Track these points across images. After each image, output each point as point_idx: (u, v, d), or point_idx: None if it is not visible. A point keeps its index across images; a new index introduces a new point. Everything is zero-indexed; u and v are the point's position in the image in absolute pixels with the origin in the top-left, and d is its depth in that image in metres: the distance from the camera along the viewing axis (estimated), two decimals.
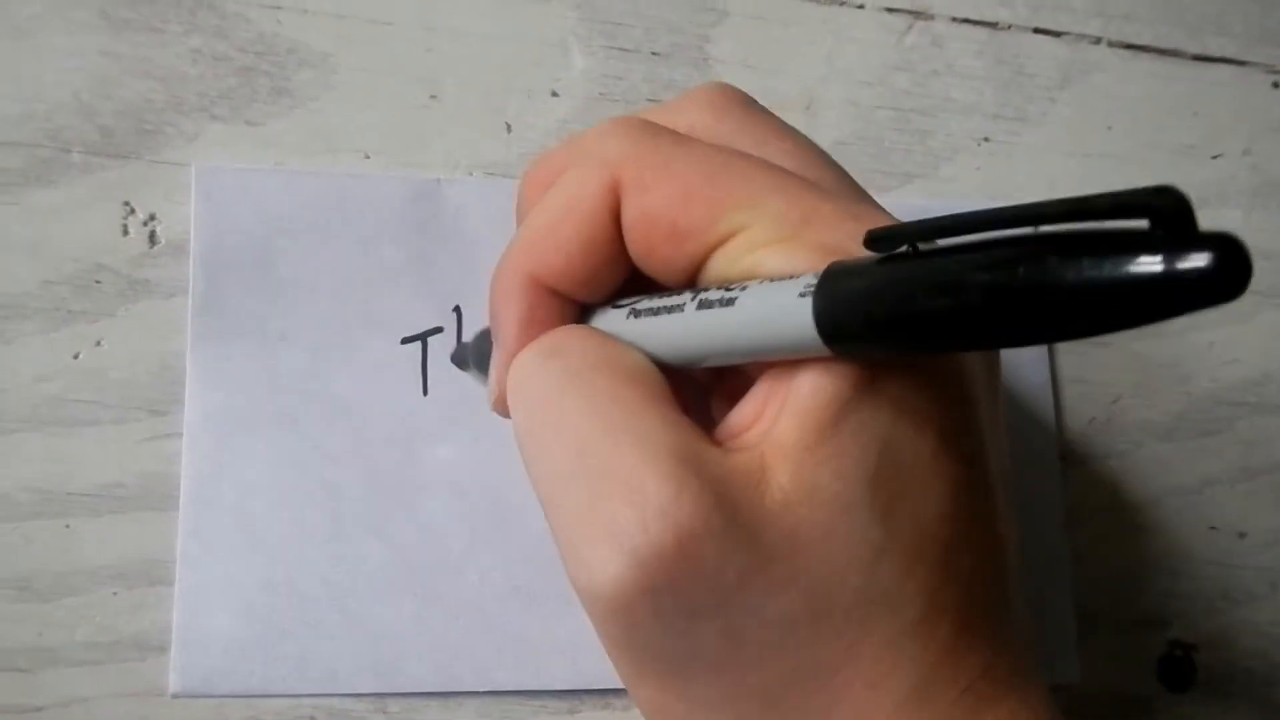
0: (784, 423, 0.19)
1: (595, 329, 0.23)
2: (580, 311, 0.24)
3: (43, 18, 0.29)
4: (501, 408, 0.24)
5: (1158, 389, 0.34)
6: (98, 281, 0.29)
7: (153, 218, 0.29)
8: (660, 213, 0.21)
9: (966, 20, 0.35)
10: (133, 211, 0.29)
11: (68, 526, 0.28)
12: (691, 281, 0.22)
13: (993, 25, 0.35)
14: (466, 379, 0.30)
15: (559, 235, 0.22)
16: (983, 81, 0.34)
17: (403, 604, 0.28)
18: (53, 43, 0.29)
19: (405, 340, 0.29)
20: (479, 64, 0.31)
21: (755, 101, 0.24)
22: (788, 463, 0.19)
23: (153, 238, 0.29)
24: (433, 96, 0.31)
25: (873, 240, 0.18)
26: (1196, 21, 0.36)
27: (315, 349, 0.29)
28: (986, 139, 0.34)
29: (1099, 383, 0.34)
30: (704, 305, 0.20)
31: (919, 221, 0.17)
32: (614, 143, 0.22)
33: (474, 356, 0.29)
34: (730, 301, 0.20)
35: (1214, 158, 0.36)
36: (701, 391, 0.24)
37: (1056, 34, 0.35)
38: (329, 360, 0.29)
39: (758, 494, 0.19)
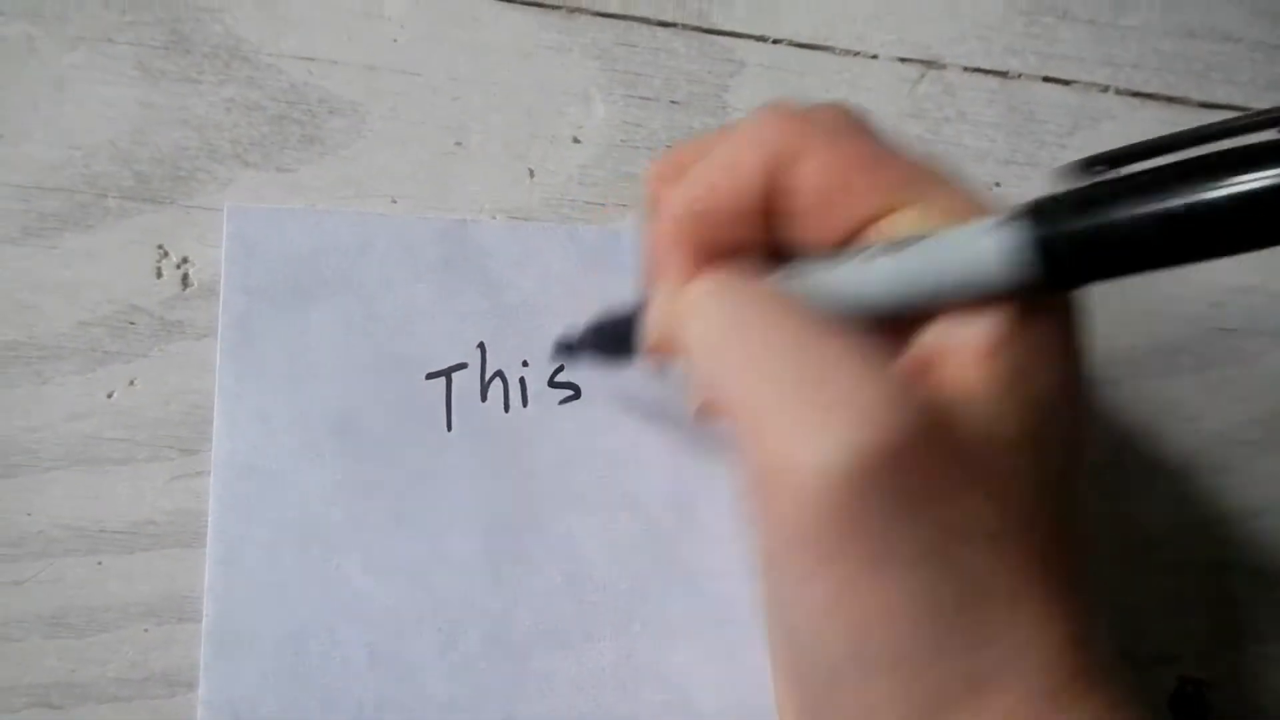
0: (962, 375, 0.21)
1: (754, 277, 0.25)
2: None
3: (82, 69, 0.30)
4: (664, 343, 0.25)
5: (1167, 426, 0.35)
6: (132, 323, 0.29)
7: (185, 260, 0.30)
8: (829, 175, 0.23)
9: (978, 69, 0.35)
10: (166, 255, 0.30)
11: (100, 563, 0.28)
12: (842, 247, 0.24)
13: (1003, 74, 0.36)
14: (490, 414, 0.30)
15: (716, 192, 0.25)
16: (994, 129, 0.35)
17: (428, 642, 0.29)
18: (92, 93, 0.30)
19: (430, 376, 0.30)
20: (503, 112, 0.32)
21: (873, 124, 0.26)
22: (974, 409, 0.21)
23: (185, 280, 0.30)
24: (458, 143, 0.32)
25: (1086, 164, 0.20)
26: (1202, 70, 0.37)
27: (341, 386, 0.30)
28: (998, 184, 0.35)
29: (1109, 423, 0.34)
30: (890, 250, 0.22)
31: (1109, 151, 0.20)
32: (771, 121, 0.24)
33: (595, 338, 0.29)
34: (923, 239, 0.21)
35: None
36: None
37: (1065, 82, 0.36)
38: (354, 397, 0.30)
39: (950, 417, 0.21)
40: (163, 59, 0.31)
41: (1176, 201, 0.18)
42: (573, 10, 0.33)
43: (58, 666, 0.28)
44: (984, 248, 0.20)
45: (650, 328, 0.26)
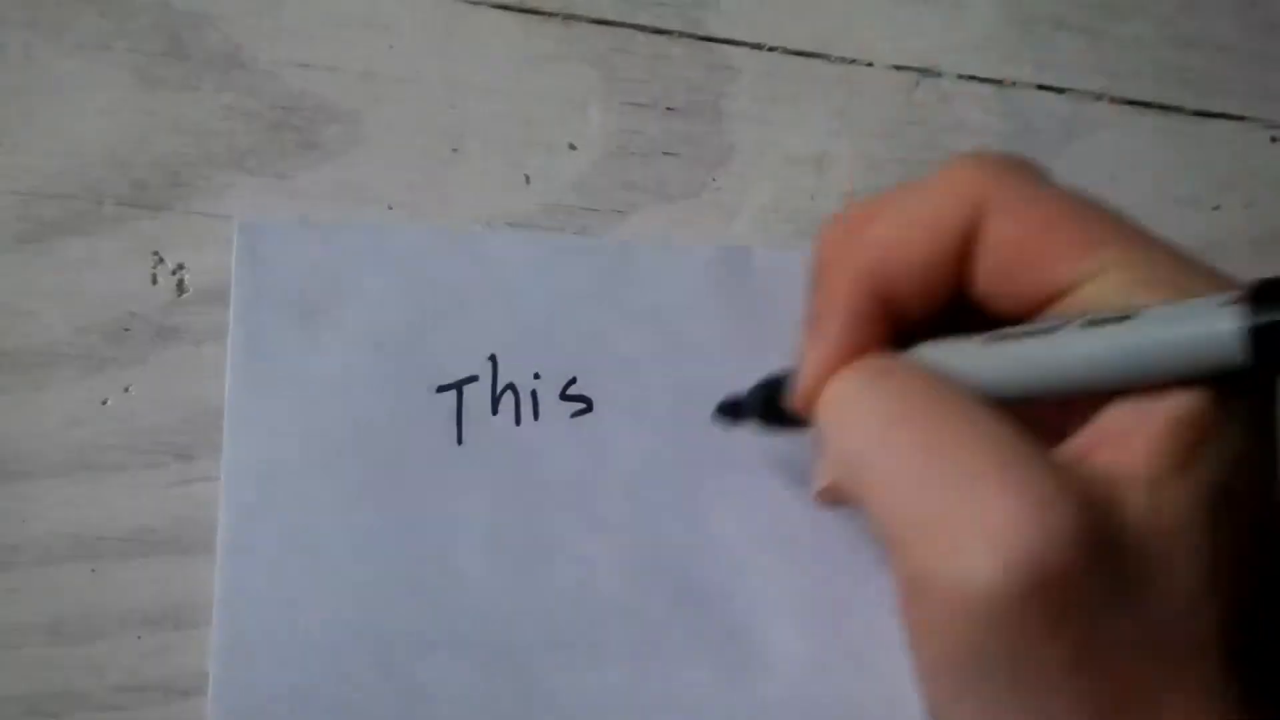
0: (1133, 455, 0.20)
1: (916, 356, 0.24)
2: (899, 340, 0.24)
3: (79, 75, 0.30)
4: (807, 405, 0.25)
5: None
6: (127, 329, 0.29)
7: (181, 267, 0.30)
8: (1031, 233, 0.22)
9: (973, 77, 0.36)
10: (162, 261, 0.30)
11: (96, 570, 0.28)
12: (1030, 314, 0.23)
13: (998, 82, 0.36)
14: (501, 428, 0.30)
15: (909, 241, 0.23)
16: (990, 137, 0.35)
17: (436, 655, 0.28)
18: (89, 99, 0.30)
19: (440, 389, 0.30)
20: (500, 119, 0.32)
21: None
22: (1140, 493, 0.20)
23: (181, 286, 0.30)
24: (455, 150, 0.32)
25: None
26: (1197, 79, 0.37)
27: (351, 398, 0.29)
28: None
29: None
30: (1093, 324, 0.21)
31: None
32: (977, 170, 0.23)
33: (755, 405, 0.28)
34: (1128, 319, 0.20)
35: (1214, 210, 0.37)
36: None
37: (1060, 90, 0.36)
38: (365, 411, 0.29)
39: (1112, 513, 0.20)
40: (160, 66, 0.31)
41: None
42: (569, 18, 0.33)
43: (55, 675, 0.28)
44: (1194, 330, 0.19)
45: (798, 391, 0.25)
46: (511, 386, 0.30)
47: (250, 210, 0.30)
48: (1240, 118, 0.37)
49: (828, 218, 0.27)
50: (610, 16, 0.33)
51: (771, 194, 0.33)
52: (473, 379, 0.30)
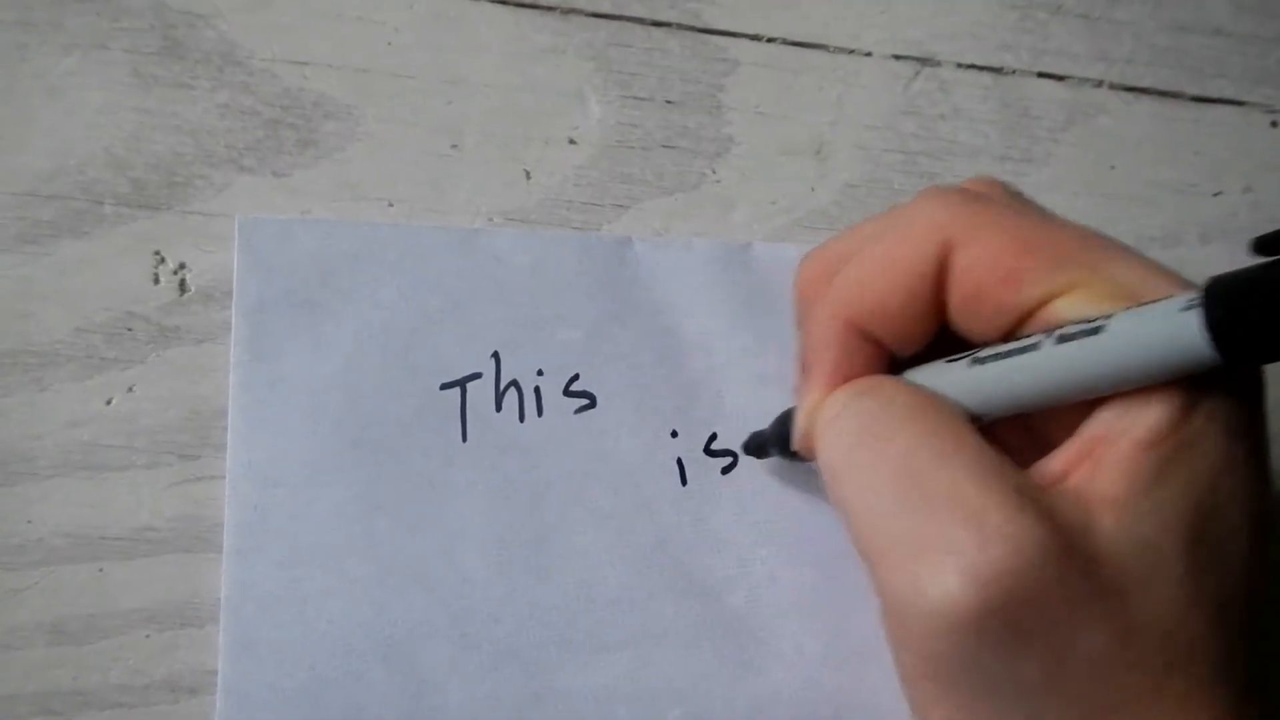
0: (1107, 475, 0.20)
1: (904, 379, 0.24)
2: (890, 366, 0.25)
3: (76, 75, 0.30)
4: (806, 446, 0.25)
5: None
6: (129, 329, 0.29)
7: (183, 266, 0.30)
8: (997, 259, 0.23)
9: (972, 66, 0.36)
10: (163, 261, 0.30)
11: (100, 570, 0.28)
12: (1007, 336, 0.23)
13: (997, 70, 0.36)
14: (505, 424, 0.30)
15: (882, 284, 0.24)
16: (989, 125, 0.35)
17: (443, 653, 0.28)
18: (86, 99, 0.30)
19: (444, 386, 0.30)
20: (498, 114, 0.32)
21: (1022, 193, 0.26)
22: (1112, 512, 0.20)
23: (183, 286, 0.30)
24: (454, 146, 0.32)
25: (1261, 245, 0.19)
26: (1196, 64, 0.37)
27: (355, 397, 0.29)
28: None
29: None
30: (1064, 339, 0.21)
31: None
32: (941, 205, 0.24)
33: (774, 439, 0.29)
34: (1097, 330, 0.21)
35: (1215, 195, 0.37)
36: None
37: (1059, 78, 0.36)
38: (369, 409, 0.29)
39: (1083, 535, 0.20)
40: (156, 65, 0.31)
41: None
42: (566, 11, 0.33)
43: (59, 674, 0.28)
44: (1159, 335, 0.20)
45: (796, 433, 0.26)
46: (515, 383, 0.30)
47: (249, 209, 0.30)
48: (1239, 103, 0.37)
49: (804, 255, 0.28)
50: (607, 9, 0.33)
51: (770, 185, 0.33)
52: (476, 376, 0.30)
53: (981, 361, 0.23)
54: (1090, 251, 0.23)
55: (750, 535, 0.31)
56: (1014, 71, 0.36)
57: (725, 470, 0.31)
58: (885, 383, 0.24)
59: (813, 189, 0.34)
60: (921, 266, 0.24)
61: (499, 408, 0.30)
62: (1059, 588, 0.19)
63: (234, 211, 0.30)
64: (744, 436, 0.31)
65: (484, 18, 0.33)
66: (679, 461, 0.31)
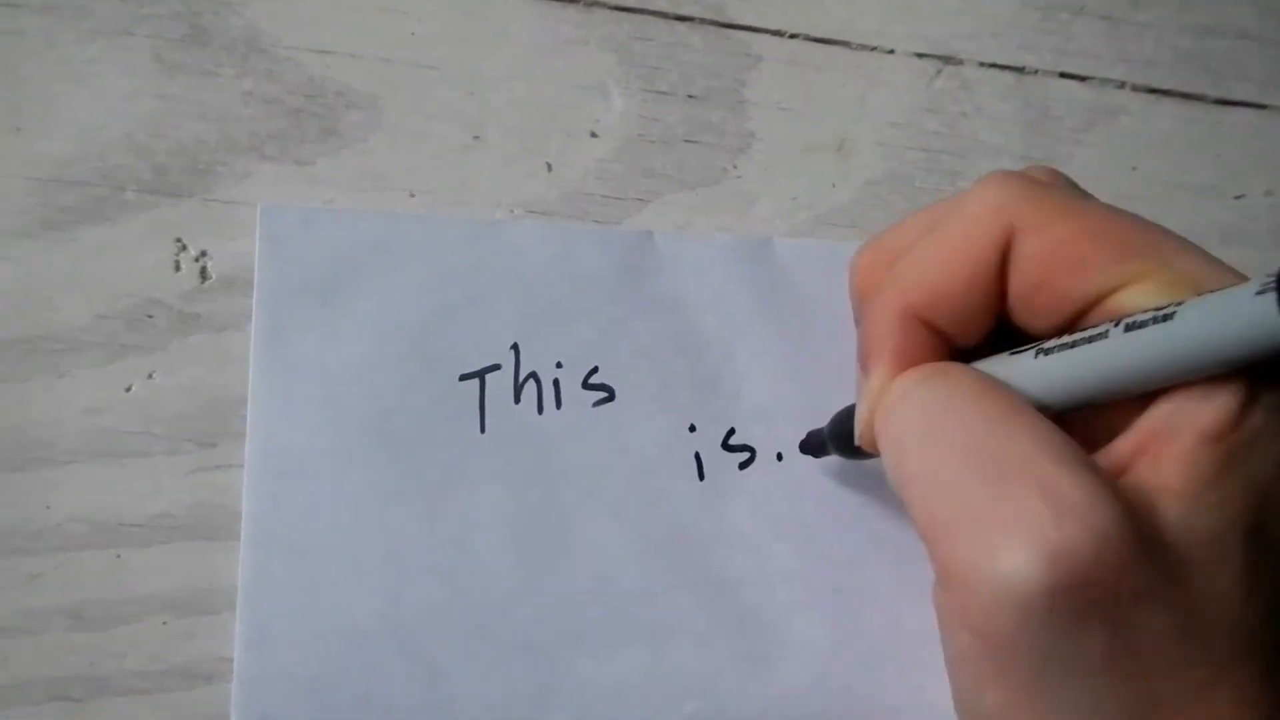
0: (1169, 466, 0.20)
1: (967, 365, 0.24)
2: (951, 358, 0.25)
3: (99, 62, 0.30)
4: (868, 438, 0.25)
5: None
6: (150, 316, 0.29)
7: (204, 254, 0.30)
8: (1063, 247, 0.23)
9: (994, 65, 0.35)
10: (184, 248, 0.30)
11: (118, 556, 0.28)
12: (1063, 329, 0.23)
13: (1019, 70, 0.36)
14: (523, 416, 0.30)
15: (944, 270, 0.24)
16: (1011, 124, 0.35)
17: (457, 644, 0.28)
18: (109, 86, 0.30)
19: (463, 378, 0.30)
20: (520, 106, 0.32)
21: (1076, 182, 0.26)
22: (1177, 503, 0.20)
23: (204, 273, 0.30)
24: (476, 137, 0.32)
25: None
26: (1218, 66, 0.37)
27: (374, 386, 0.29)
28: None
29: None
30: (1133, 327, 0.21)
31: None
32: (1004, 191, 0.24)
33: (832, 438, 0.29)
34: (1168, 317, 0.20)
35: (1236, 198, 0.37)
36: None
37: (1082, 78, 0.36)
38: (388, 399, 0.29)
39: (1150, 522, 0.20)
40: (180, 52, 0.31)
41: None
42: (589, 4, 0.33)
43: (77, 659, 0.28)
44: (1233, 318, 0.20)
45: (859, 423, 0.26)
46: (534, 375, 0.30)
47: (271, 197, 0.30)
48: (1261, 105, 0.37)
49: (859, 247, 0.28)
50: (630, 3, 0.33)
51: (792, 181, 0.33)
52: (495, 368, 0.30)
53: (1048, 352, 0.23)
54: (1156, 242, 0.22)
55: (767, 531, 0.31)
56: (1036, 71, 0.36)
57: (743, 465, 0.31)
58: (952, 368, 0.24)
59: (834, 185, 0.34)
60: (984, 252, 0.23)
61: (517, 399, 0.30)
62: (1128, 570, 0.19)
63: (256, 199, 0.30)
64: (762, 432, 0.31)
65: (507, 10, 0.33)
66: (696, 456, 0.31)
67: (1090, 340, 0.22)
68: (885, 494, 0.30)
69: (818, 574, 0.31)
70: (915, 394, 0.23)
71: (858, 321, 0.28)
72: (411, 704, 0.28)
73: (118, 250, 0.29)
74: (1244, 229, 0.36)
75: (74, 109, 0.30)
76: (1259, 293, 0.19)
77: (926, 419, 0.23)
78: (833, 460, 0.30)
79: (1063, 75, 0.36)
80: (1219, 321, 0.20)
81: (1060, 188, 0.25)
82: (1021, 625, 0.20)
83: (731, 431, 0.31)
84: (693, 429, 0.31)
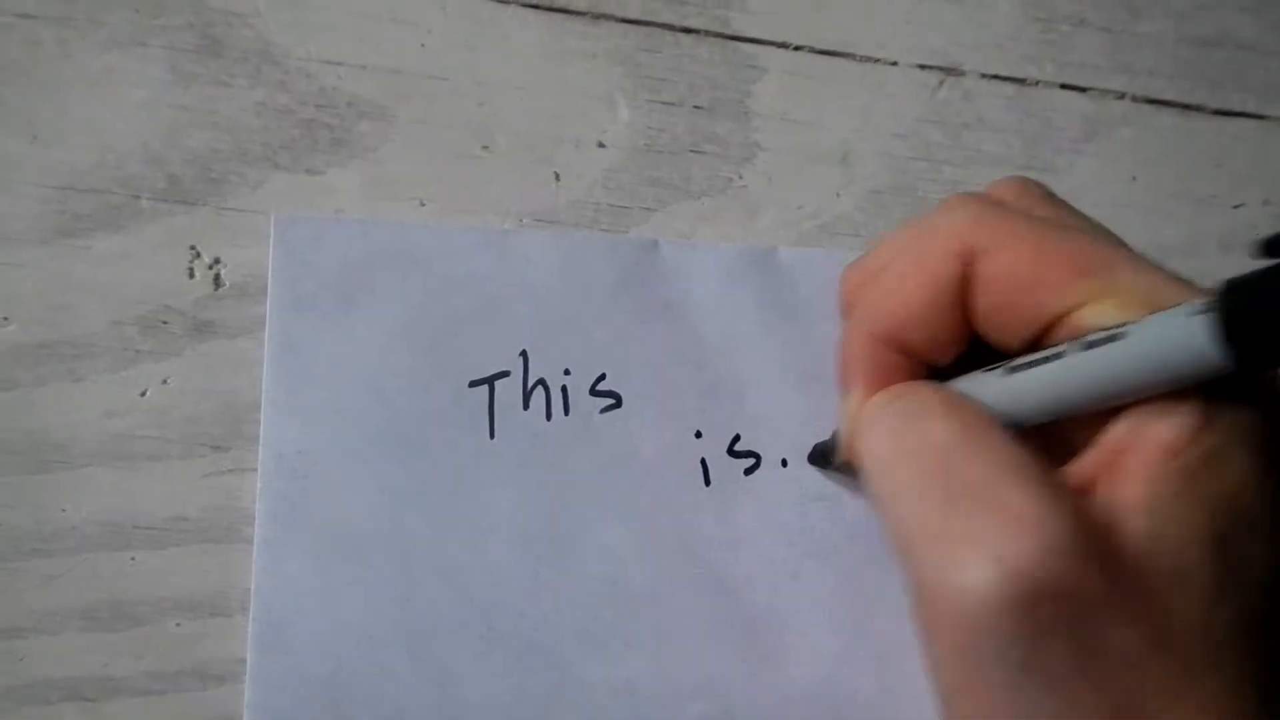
0: (1131, 481, 0.21)
1: (937, 383, 0.25)
2: (926, 376, 0.26)
3: (115, 71, 0.31)
4: (850, 455, 0.26)
5: None
6: (165, 322, 0.30)
7: (218, 261, 0.30)
8: (1021, 268, 0.23)
9: (996, 76, 0.36)
10: (199, 255, 0.30)
11: (133, 559, 0.29)
12: (1031, 346, 0.24)
13: (1021, 81, 0.36)
14: (532, 423, 0.30)
15: (904, 296, 0.25)
16: (1012, 134, 0.36)
17: (468, 646, 0.29)
18: (125, 95, 0.31)
19: (473, 384, 0.30)
20: (529, 116, 0.33)
21: (1053, 192, 0.26)
22: (1138, 517, 0.21)
23: (218, 280, 0.30)
24: (485, 147, 0.32)
25: (1267, 247, 0.20)
26: (1217, 77, 0.37)
27: (385, 392, 0.30)
28: None
29: None
30: (1089, 346, 0.22)
31: None
32: (963, 214, 0.24)
33: (832, 450, 0.30)
34: (1119, 336, 0.21)
35: (1235, 208, 0.37)
36: None
37: (1082, 89, 0.37)
38: (398, 405, 0.30)
39: (1110, 535, 0.20)
40: (194, 62, 0.31)
41: None
42: (597, 16, 0.34)
43: (91, 660, 0.28)
44: (1176, 339, 0.20)
45: (840, 441, 0.27)
46: (542, 382, 0.31)
47: (283, 206, 0.31)
48: (1261, 116, 0.38)
49: (845, 267, 0.29)
50: (638, 16, 0.34)
51: (796, 191, 0.34)
52: (504, 374, 0.31)
53: (1015, 370, 0.24)
54: (1110, 260, 0.23)
55: (772, 535, 0.31)
56: (1037, 82, 0.36)
57: (748, 471, 0.31)
58: (919, 386, 0.25)
59: (838, 195, 0.34)
60: (944, 276, 0.24)
61: (526, 406, 0.30)
62: (1087, 582, 0.20)
63: (268, 208, 0.31)
64: (767, 438, 0.31)
65: (515, 21, 0.33)
66: (703, 462, 0.31)
67: (1050, 359, 0.23)
68: None
69: (822, 577, 0.31)
70: (883, 415, 0.24)
71: (839, 343, 0.28)
72: (422, 705, 0.28)
73: (133, 258, 0.30)
74: (1243, 239, 0.37)
75: (90, 118, 0.30)
76: (1197, 312, 0.20)
77: (893, 438, 0.24)
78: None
79: (1063, 86, 0.36)
80: (1164, 340, 0.20)
81: (1026, 204, 0.25)
82: (986, 637, 0.20)
83: (737, 438, 0.31)
84: (699, 435, 0.31)
